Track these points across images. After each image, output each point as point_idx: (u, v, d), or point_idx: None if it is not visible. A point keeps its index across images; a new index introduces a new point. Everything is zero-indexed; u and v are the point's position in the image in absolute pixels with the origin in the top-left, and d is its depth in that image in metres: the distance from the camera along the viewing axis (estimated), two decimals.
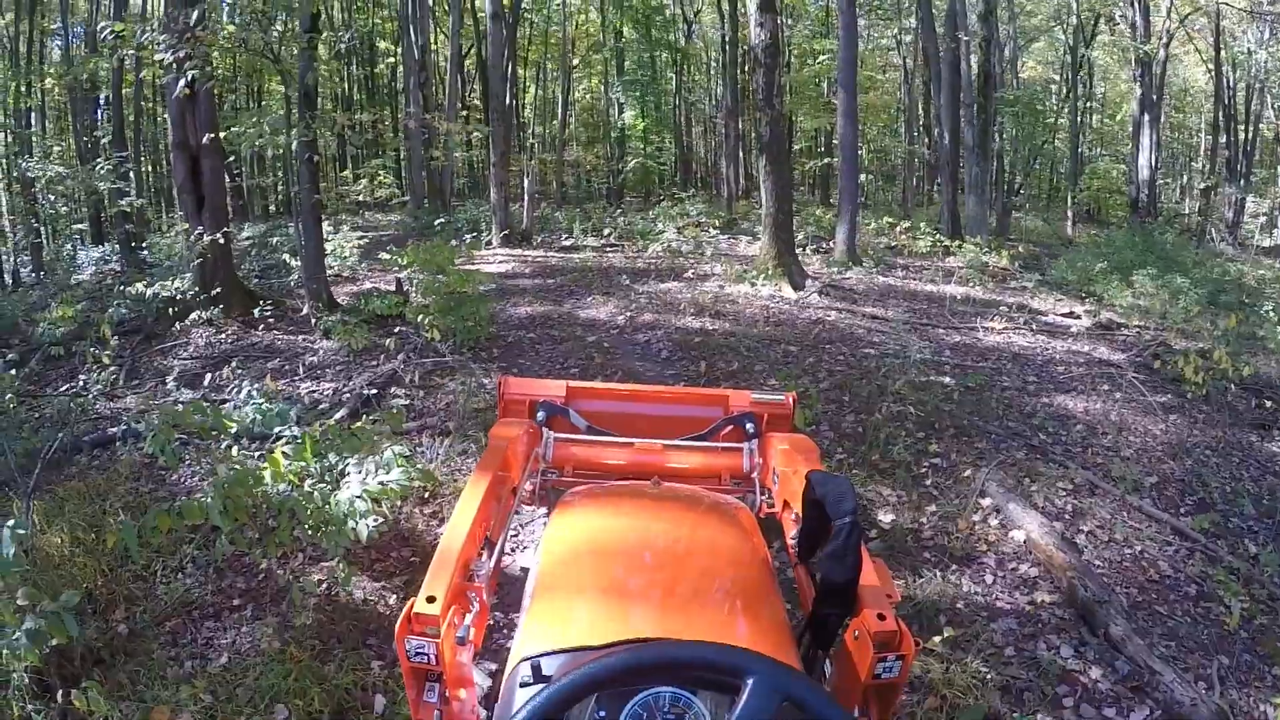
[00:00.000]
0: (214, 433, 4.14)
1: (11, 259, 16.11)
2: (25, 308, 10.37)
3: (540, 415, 2.93)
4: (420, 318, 7.57)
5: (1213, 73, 23.84)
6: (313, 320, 8.53)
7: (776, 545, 2.88)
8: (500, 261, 13.61)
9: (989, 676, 3.62)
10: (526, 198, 16.35)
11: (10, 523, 3.29)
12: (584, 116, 32.26)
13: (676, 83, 29.03)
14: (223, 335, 8.89)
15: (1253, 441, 6.34)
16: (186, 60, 7.60)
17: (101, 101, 18.43)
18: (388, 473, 3.70)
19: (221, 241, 8.93)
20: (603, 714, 1.42)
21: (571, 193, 28.31)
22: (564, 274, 12.18)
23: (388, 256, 9.52)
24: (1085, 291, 11.92)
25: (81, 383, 7.25)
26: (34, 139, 19.09)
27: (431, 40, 25.74)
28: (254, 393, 5.53)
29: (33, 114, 20.62)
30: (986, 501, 5.15)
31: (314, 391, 7.03)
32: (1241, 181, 23.85)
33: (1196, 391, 6.93)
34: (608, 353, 8.07)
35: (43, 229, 17.54)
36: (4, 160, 18.41)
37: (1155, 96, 22.15)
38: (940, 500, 5.18)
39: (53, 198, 16.25)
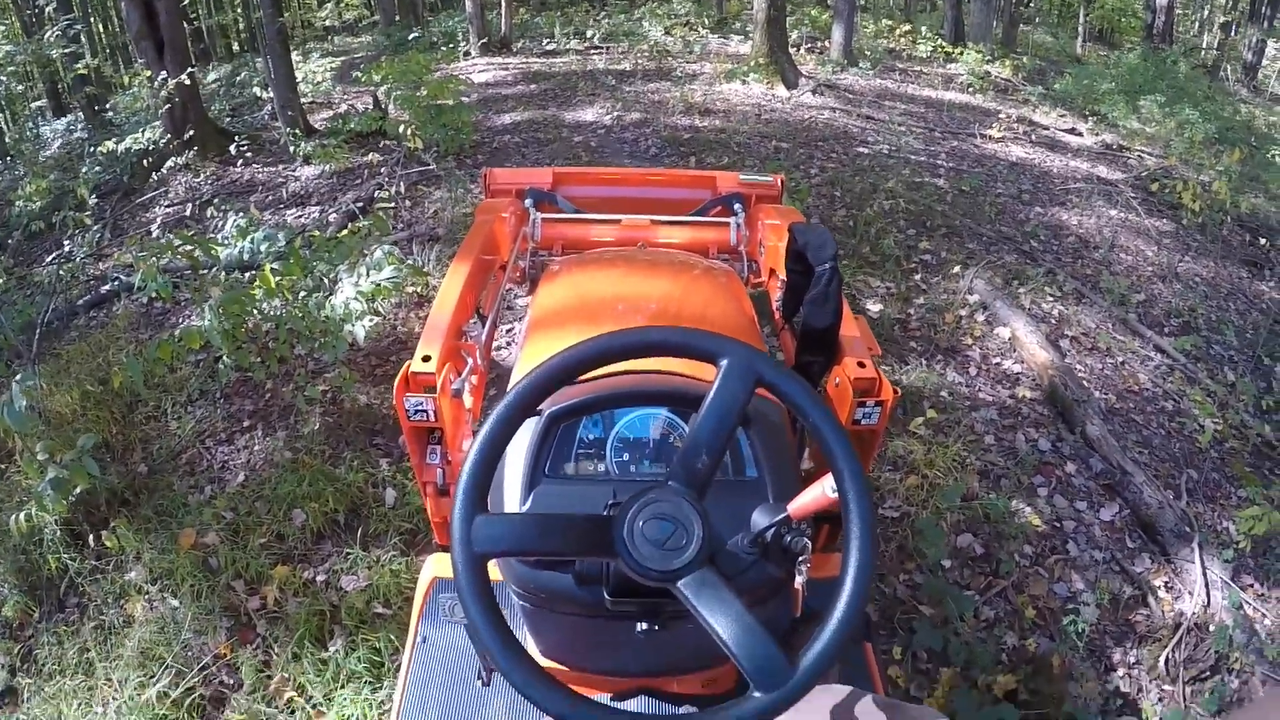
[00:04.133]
0: (203, 265, 4.10)
1: None
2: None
3: (528, 201, 2.92)
4: (401, 129, 7.36)
5: None
6: (290, 149, 8.31)
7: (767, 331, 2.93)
8: (480, 71, 13.08)
9: (968, 460, 3.72)
10: (504, 4, 15.51)
11: (18, 377, 3.33)
12: None
13: None
14: (201, 178, 8.59)
15: (1243, 276, 6.30)
16: None
17: None
18: (379, 271, 3.71)
19: (188, 83, 8.57)
20: (591, 438, 1.44)
21: None
22: (547, 79, 11.71)
23: (361, 75, 9.16)
24: (1089, 110, 11.55)
25: (67, 249, 7.08)
26: None
27: None
28: (239, 223, 5.47)
29: None
30: (974, 298, 5.15)
31: (300, 216, 6.90)
32: (1265, 24, 22.62)
33: (1193, 220, 6.86)
34: (595, 151, 7.91)
35: (1, 114, 16.79)
36: None
37: None
38: (928, 294, 5.17)
39: (3, 79, 15.48)
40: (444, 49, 14.87)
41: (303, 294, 3.96)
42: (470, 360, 1.93)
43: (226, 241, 5.16)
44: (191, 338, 3.51)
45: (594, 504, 1.18)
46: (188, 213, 7.41)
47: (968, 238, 6.09)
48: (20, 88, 16.36)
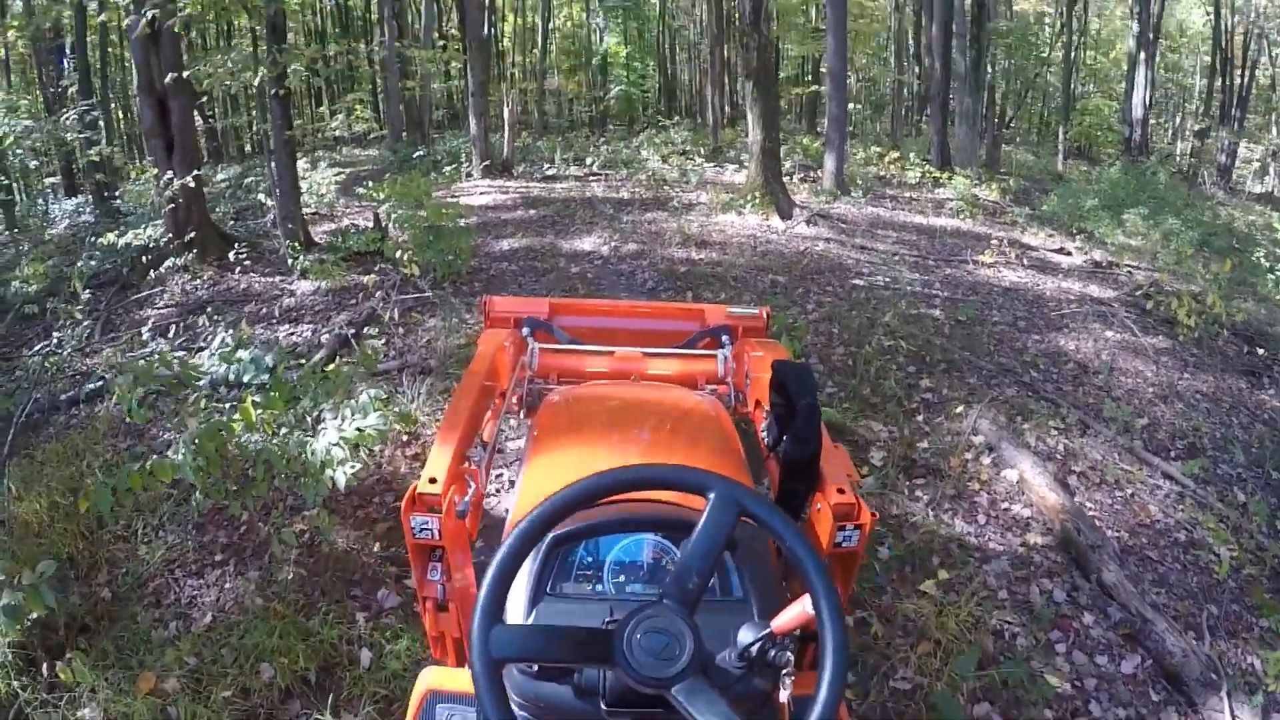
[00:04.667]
0: (182, 386, 3.96)
1: None
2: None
3: (525, 330, 3.00)
4: (398, 253, 7.33)
5: (1211, 15, 23.28)
6: (289, 261, 8.30)
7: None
8: (481, 193, 13.29)
9: (982, 619, 3.55)
10: (506, 128, 15.88)
11: None
12: (565, 44, 31.46)
13: (660, 7, 28.24)
14: (198, 281, 8.66)
15: (1243, 388, 6.23)
16: None
17: (67, 50, 17.70)
18: (364, 417, 3.56)
19: (193, 185, 8.62)
20: (589, 561, 1.55)
21: (553, 122, 27.71)
22: (546, 205, 11.87)
23: (365, 191, 9.23)
24: (1076, 228, 11.77)
25: (56, 340, 7.01)
26: None
27: None
28: (227, 340, 5.36)
29: None
30: (979, 439, 5.04)
31: (292, 334, 6.85)
32: (1235, 126, 23.47)
33: (1188, 335, 6.80)
34: (592, 284, 7.89)
35: (14, 185, 16.91)
36: None
37: (1152, 35, 21.69)
38: (932, 436, 5.07)
39: (19, 152, 15.73)
40: (447, 169, 15.12)
41: (284, 430, 3.78)
42: (473, 484, 2.01)
43: (212, 361, 5.04)
44: (163, 470, 3.34)
45: (592, 620, 1.27)
46: (180, 319, 7.35)
47: (968, 372, 6.03)
48: (35, 164, 16.57)
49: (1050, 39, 24.79)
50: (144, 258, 8.94)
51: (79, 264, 8.36)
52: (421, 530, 1.85)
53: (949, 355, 6.25)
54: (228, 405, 4.03)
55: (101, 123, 15.21)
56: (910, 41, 26.02)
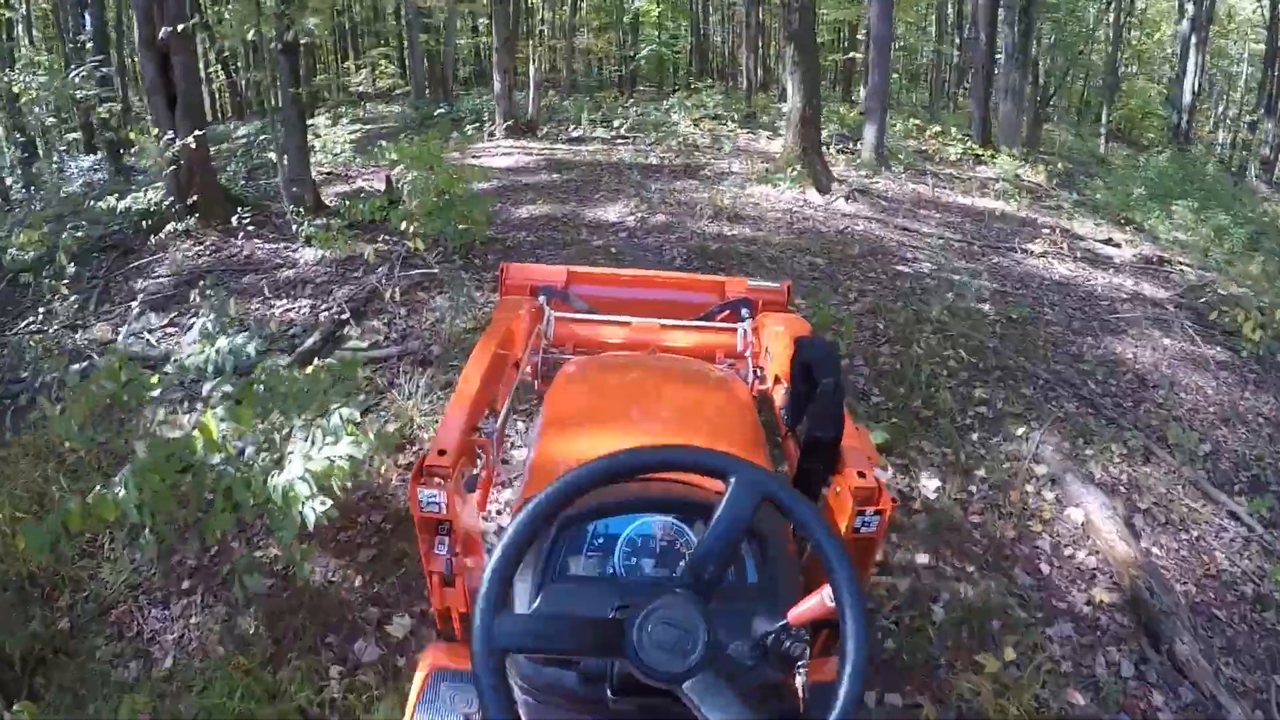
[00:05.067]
0: (137, 393, 3.33)
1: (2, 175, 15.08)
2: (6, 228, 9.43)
3: (541, 298, 2.91)
4: (404, 224, 6.66)
5: (1264, 1, 22.01)
6: (293, 227, 7.68)
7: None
8: (503, 154, 12.60)
9: (1045, 701, 3.05)
10: (532, 86, 15.12)
11: None
12: (596, 1, 30.44)
13: None
14: (200, 248, 8.12)
15: None
16: None
17: (89, 3, 17.22)
18: (335, 443, 2.93)
19: (194, 145, 8.00)
20: (600, 541, 1.48)
21: (581, 81, 26.79)
22: (571, 169, 11.19)
23: (373, 152, 8.55)
24: (1123, 217, 11.12)
25: (42, 316, 6.54)
26: (21, 49, 17.78)
27: None
28: (208, 325, 4.77)
29: (18, 25, 19.29)
30: (1041, 469, 4.48)
31: (289, 310, 6.28)
32: None
33: (1252, 349, 6.26)
34: (616, 259, 7.27)
35: (38, 141, 16.42)
36: None
37: (1205, 18, 20.52)
38: (988, 461, 4.49)
39: (37, 109, 15.36)
40: (469, 128, 14.40)
41: (250, 450, 3.17)
42: (483, 456, 1.98)
43: (191, 347, 4.50)
44: (105, 507, 2.76)
45: (601, 605, 1.25)
46: (176, 290, 6.90)
47: (1024, 381, 5.46)
48: (53, 120, 16.24)
49: (1096, 15, 23.51)
50: (145, 222, 8.45)
51: (64, 235, 7.75)
52: (429, 504, 1.74)
53: (1003, 360, 5.68)
54: (190, 415, 3.40)
55: (118, 79, 14.75)
56: (950, 10, 24.91)
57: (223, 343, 4.63)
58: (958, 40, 24.79)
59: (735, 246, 7.56)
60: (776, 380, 2.41)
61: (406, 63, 22.75)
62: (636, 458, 1.25)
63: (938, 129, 15.52)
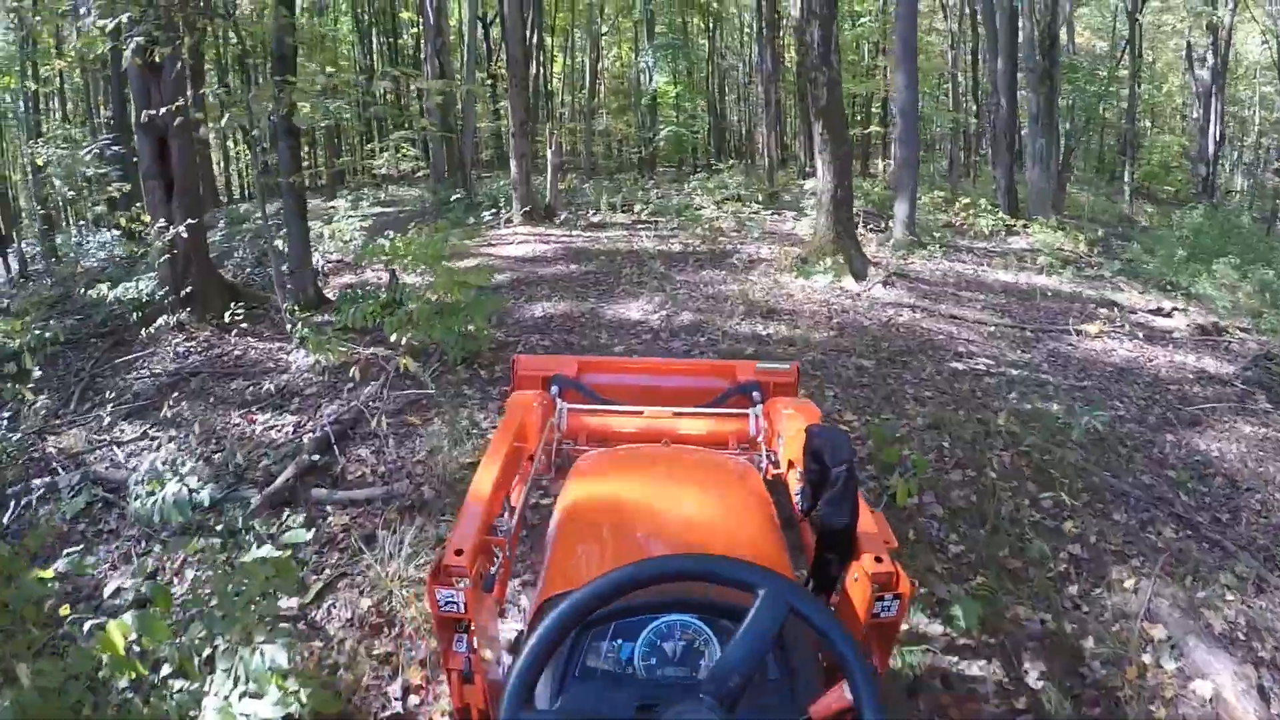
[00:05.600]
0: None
1: (19, 246, 14.62)
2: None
3: (554, 389, 2.90)
4: (396, 334, 5.82)
5: (1270, 46, 21.40)
6: (288, 327, 6.93)
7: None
8: (520, 242, 11.90)
9: None
10: (550, 171, 14.48)
11: None
12: (614, 84, 30.26)
13: (709, 48, 26.88)
14: (193, 343, 7.47)
15: None
16: (134, 25, 6.11)
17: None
18: (259, 695, 2.05)
19: (185, 234, 7.32)
20: (619, 641, 1.47)
21: (601, 163, 26.39)
22: (590, 259, 10.43)
23: (371, 248, 7.80)
24: (1168, 282, 10.33)
25: (8, 419, 5.96)
26: (47, 121, 17.70)
27: (454, 5, 24.02)
28: (159, 466, 4.00)
29: (54, 99, 19.64)
30: (1157, 631, 3.57)
31: (272, 426, 5.49)
32: None
33: None
34: None
35: (63, 213, 16.77)
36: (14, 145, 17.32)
37: (1222, 65, 19.89)
38: (1094, 626, 3.59)
39: (57, 182, 15.14)
40: (486, 214, 13.77)
41: (166, 669, 2.33)
42: (500, 554, 1.92)
43: (137, 490, 3.73)
44: None
45: (623, 704, 1.26)
46: (158, 394, 6.24)
47: (1113, 502, 4.61)
48: (71, 193, 16.01)
49: (1110, 70, 22.86)
50: (138, 313, 7.87)
51: (36, 331, 7.09)
52: (447, 604, 1.69)
53: (1087, 478, 4.79)
54: (89, 625, 2.52)
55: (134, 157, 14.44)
56: (964, 79, 24.38)
57: (171, 489, 3.83)
58: (975, 107, 24.27)
59: (772, 349, 6.69)
60: (790, 465, 2.35)
61: (430, 146, 22.47)
62: (666, 566, 1.26)
63: (967, 200, 14.75)
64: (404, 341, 5.71)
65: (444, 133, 17.08)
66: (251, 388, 6.21)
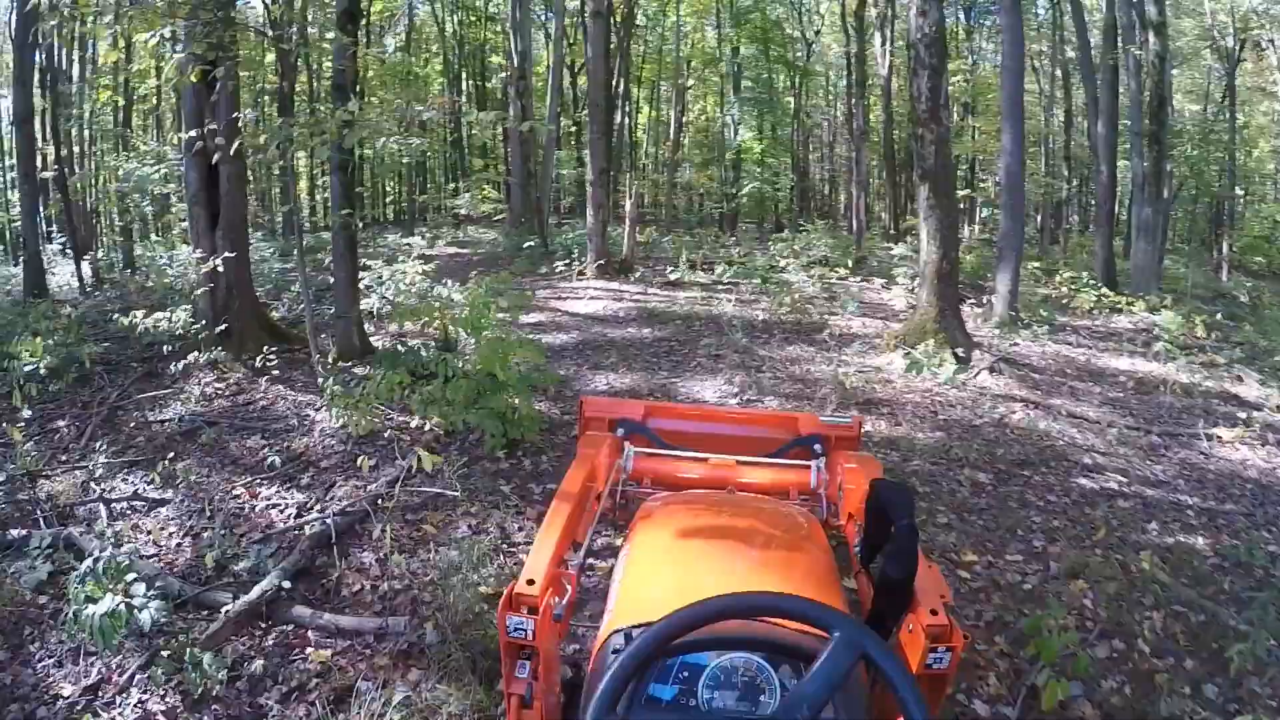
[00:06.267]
0: None
1: (94, 255, 14.33)
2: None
3: (620, 431, 2.87)
4: (421, 415, 4.82)
5: None
6: (319, 380, 6.09)
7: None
8: (591, 297, 10.99)
9: None
10: (628, 223, 13.60)
11: None
12: (698, 138, 29.53)
13: (795, 104, 25.96)
14: (223, 384, 6.77)
15: None
16: (177, 42, 5.53)
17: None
18: None
19: (222, 266, 6.60)
20: (685, 674, 1.46)
21: (682, 217, 25.53)
22: (664, 322, 9.44)
23: (419, 306, 6.89)
24: None
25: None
26: (142, 138, 17.85)
27: (543, 53, 23.68)
28: (117, 559, 3.12)
29: (147, 115, 20.17)
30: None
31: (274, 505, 4.60)
32: None
33: None
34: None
35: (149, 227, 16.82)
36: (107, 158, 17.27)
37: None
38: None
39: (136, 196, 14.98)
40: (560, 264, 12.92)
41: None
42: (569, 587, 1.94)
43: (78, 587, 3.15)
44: None
45: None
46: (177, 440, 5.62)
47: None
48: (149, 208, 15.93)
49: (1207, 136, 21.12)
50: (165, 347, 7.19)
51: (14, 368, 6.41)
52: (516, 630, 1.74)
53: (1254, 648, 3.49)
54: None
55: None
56: (1054, 143, 23.02)
57: (105, 605, 2.95)
58: (1065, 172, 22.85)
59: (873, 451, 5.55)
60: (850, 518, 2.38)
61: (510, 188, 21.96)
62: (750, 601, 1.29)
63: (1068, 274, 13.36)
64: (428, 426, 4.72)
65: (506, 177, 16.39)
66: (267, 448, 5.38)
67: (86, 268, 12.55)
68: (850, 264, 13.68)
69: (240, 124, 6.11)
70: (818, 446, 2.81)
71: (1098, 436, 6.33)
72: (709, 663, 1.46)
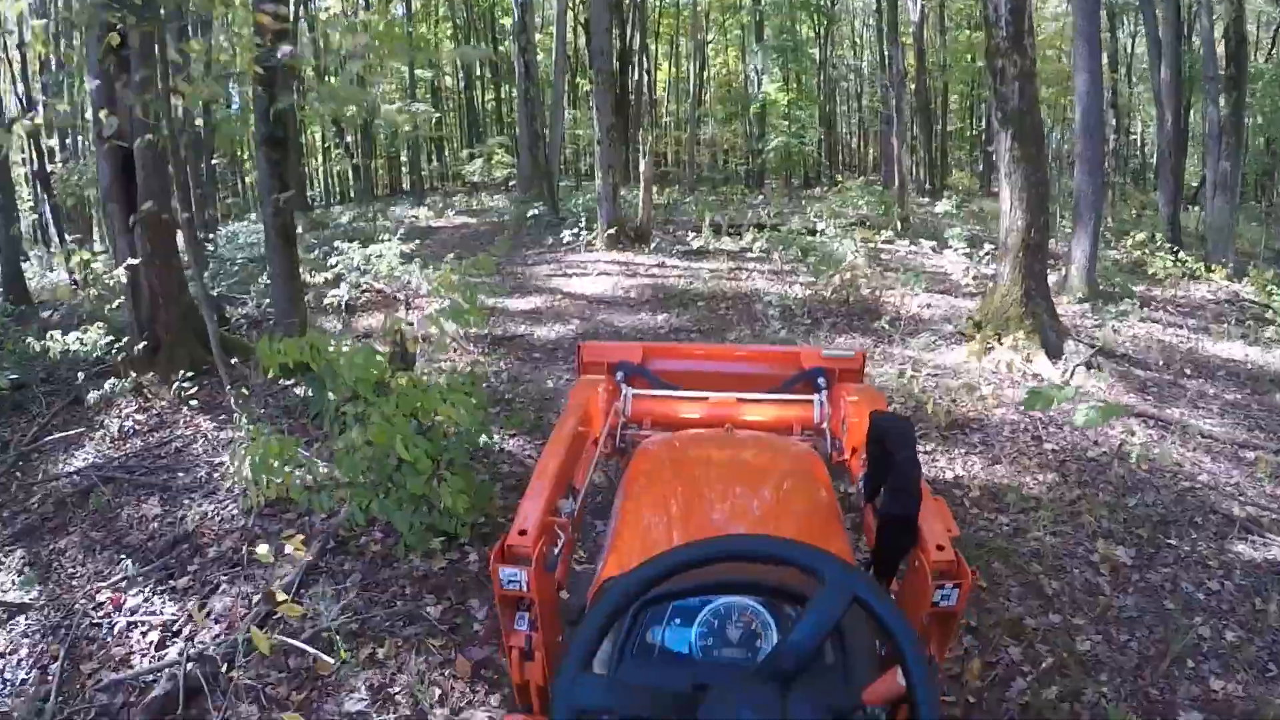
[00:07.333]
0: None
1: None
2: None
3: (619, 374, 2.73)
4: (307, 502, 3.21)
5: None
6: (234, 412, 4.67)
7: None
8: (599, 273, 9.43)
9: None
10: (643, 186, 11.87)
11: None
12: (720, 93, 27.62)
13: (820, 55, 23.95)
14: (144, 416, 5.38)
15: None
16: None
17: None
18: None
19: (138, 273, 5.17)
20: (677, 621, 1.40)
21: (706, 175, 23.74)
22: (684, 305, 7.88)
23: (435, 273, 5.32)
24: None
25: None
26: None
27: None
28: None
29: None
30: None
31: (136, 625, 3.23)
32: None
33: None
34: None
35: None
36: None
37: None
38: None
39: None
40: (567, 234, 11.32)
41: None
42: (562, 535, 1.87)
43: None
44: None
45: (678, 681, 1.17)
46: (51, 512, 4.26)
47: None
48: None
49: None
50: (79, 373, 5.89)
51: None
52: (510, 582, 1.64)
53: None
54: None
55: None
56: (1108, 90, 21.05)
57: None
58: (1114, 121, 20.90)
59: (975, 517, 3.98)
60: (854, 452, 2.26)
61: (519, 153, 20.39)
62: (732, 545, 1.22)
63: (1141, 237, 11.56)
64: (323, 517, 3.20)
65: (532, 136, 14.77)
66: (160, 518, 3.96)
67: (63, 272, 11.12)
68: (898, 225, 11.99)
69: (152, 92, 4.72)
70: (821, 380, 2.70)
71: (1236, 467, 4.70)
72: (703, 609, 1.38)
